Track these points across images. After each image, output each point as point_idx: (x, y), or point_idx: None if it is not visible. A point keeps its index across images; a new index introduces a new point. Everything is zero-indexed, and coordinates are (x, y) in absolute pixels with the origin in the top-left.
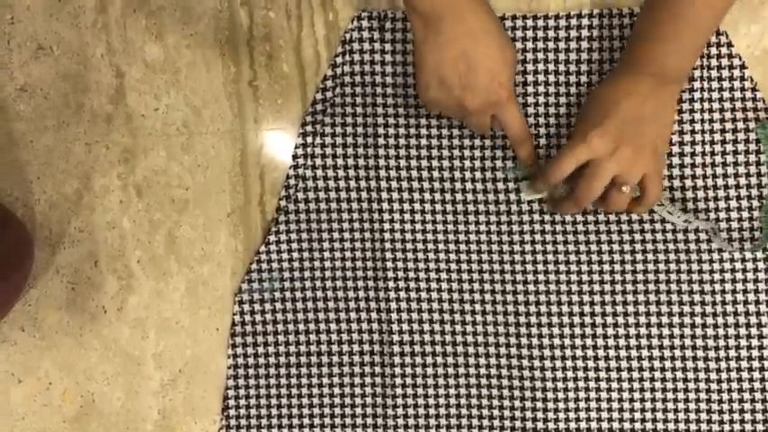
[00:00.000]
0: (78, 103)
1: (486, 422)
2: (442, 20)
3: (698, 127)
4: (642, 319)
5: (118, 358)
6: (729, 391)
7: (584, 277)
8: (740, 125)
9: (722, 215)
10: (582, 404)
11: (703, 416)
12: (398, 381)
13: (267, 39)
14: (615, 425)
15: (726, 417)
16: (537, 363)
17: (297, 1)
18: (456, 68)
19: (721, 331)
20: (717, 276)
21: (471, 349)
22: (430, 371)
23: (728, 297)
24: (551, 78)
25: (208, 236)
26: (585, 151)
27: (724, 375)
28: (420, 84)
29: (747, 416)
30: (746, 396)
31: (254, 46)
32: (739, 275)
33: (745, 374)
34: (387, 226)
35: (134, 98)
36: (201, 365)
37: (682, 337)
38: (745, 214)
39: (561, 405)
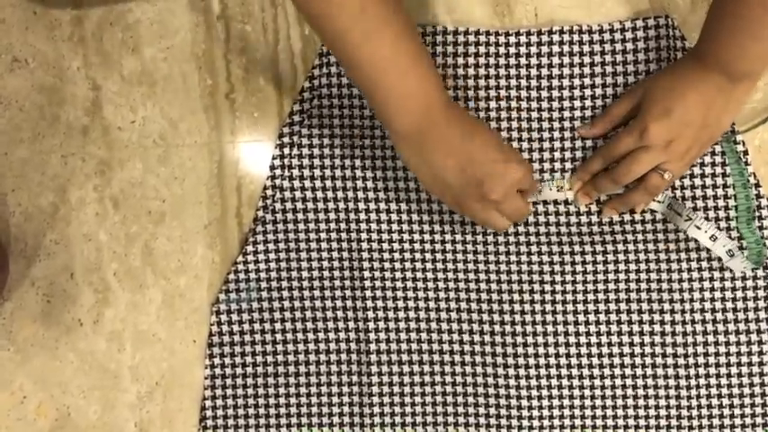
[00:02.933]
0: (54, 116)
1: (462, 429)
2: (426, 131)
3: None
4: (614, 328)
5: (94, 371)
6: (709, 396)
7: (558, 278)
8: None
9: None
10: (556, 411)
11: (673, 422)
12: (375, 389)
13: (244, 52)
14: (598, 421)
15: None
16: (512, 371)
17: (273, 15)
18: (460, 168)
19: (700, 338)
20: (695, 285)
21: (447, 357)
22: (407, 379)
23: (707, 305)
24: (523, 93)
25: (185, 248)
26: (643, 139)
27: (702, 381)
28: (444, 200)
29: (727, 421)
30: (725, 402)
31: (230, 59)
32: (717, 284)
33: (724, 380)
34: (364, 236)
35: (110, 110)
36: (178, 377)
37: (652, 345)
38: (724, 224)
39: (536, 413)
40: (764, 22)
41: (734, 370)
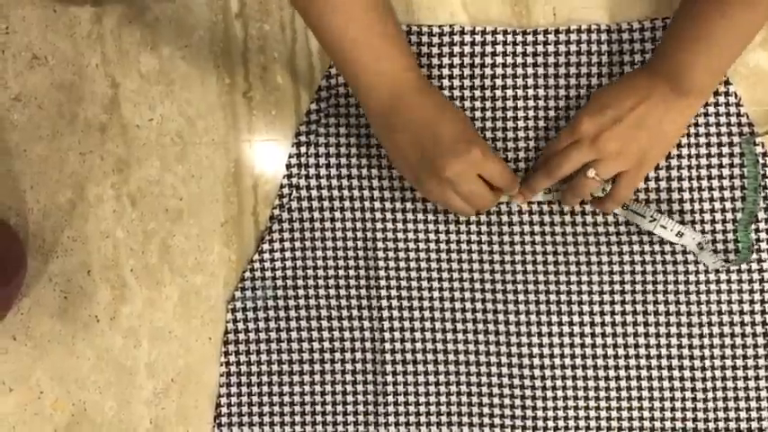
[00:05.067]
0: (73, 113)
1: (476, 430)
2: (394, 112)
3: (683, 140)
4: (630, 318)
5: (110, 367)
6: (714, 389)
7: (573, 278)
8: (725, 139)
9: (707, 227)
10: (570, 402)
11: (678, 414)
12: (390, 388)
13: (261, 51)
14: (603, 423)
15: (706, 415)
16: (527, 371)
17: (291, 14)
18: (421, 148)
19: (714, 334)
20: (700, 287)
21: (462, 357)
22: (421, 378)
23: (711, 306)
24: (540, 92)
25: (201, 246)
26: (574, 133)
27: (708, 374)
28: (407, 178)
29: (732, 413)
30: (730, 394)
31: (248, 58)
32: (723, 284)
33: (729, 373)
34: (379, 234)
35: (129, 108)
36: (194, 374)
37: (660, 345)
38: (730, 226)
39: (550, 404)
40: (733, 42)
41: (750, 362)
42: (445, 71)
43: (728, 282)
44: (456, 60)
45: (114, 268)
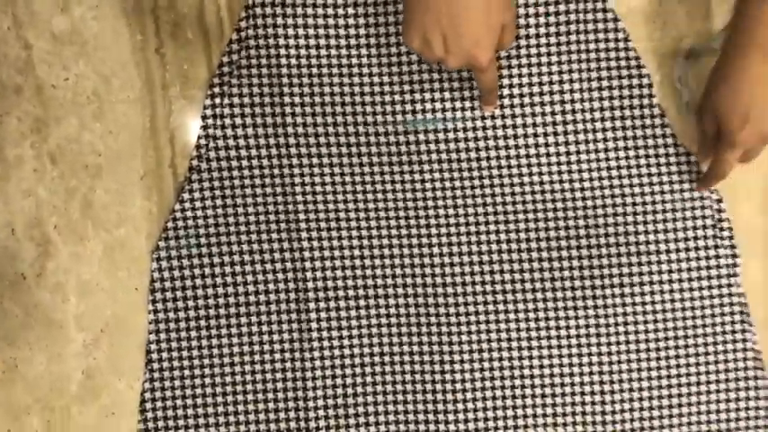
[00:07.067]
0: None
1: (397, 367)
2: None
3: (575, 76)
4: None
5: (39, 323)
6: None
7: (498, 276)
8: (614, 72)
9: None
10: (489, 394)
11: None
12: (314, 325)
13: (171, 7)
14: (520, 421)
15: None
16: (445, 338)
17: None
18: (440, 29)
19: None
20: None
21: (382, 301)
22: (344, 313)
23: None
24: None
25: (122, 200)
26: (735, 151)
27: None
28: (405, 33)
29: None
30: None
31: (158, 15)
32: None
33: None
34: (297, 180)
35: (43, 69)
36: (123, 324)
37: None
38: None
39: (469, 395)
40: None
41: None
42: (351, 28)
43: (647, 273)
44: (361, 11)
45: (38, 226)
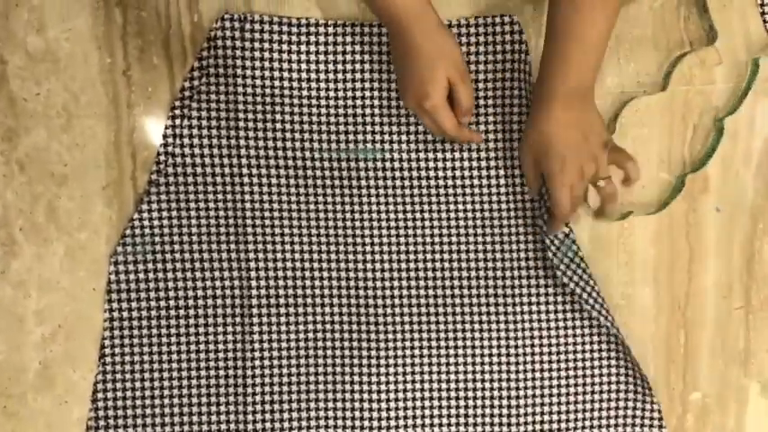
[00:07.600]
0: None
1: (329, 368)
2: (401, 32)
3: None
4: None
5: (1, 316)
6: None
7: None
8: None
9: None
10: (418, 395)
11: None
12: (256, 328)
13: (139, 35)
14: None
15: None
16: (374, 344)
17: (166, 3)
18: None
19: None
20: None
21: (319, 309)
22: (283, 319)
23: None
24: (393, 85)
25: (85, 207)
26: (568, 193)
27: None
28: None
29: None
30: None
31: (127, 41)
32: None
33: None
34: (247, 197)
35: (17, 84)
36: (80, 321)
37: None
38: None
39: (401, 395)
40: (594, 38)
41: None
42: (303, 63)
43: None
44: (312, 49)
45: (5, 227)
